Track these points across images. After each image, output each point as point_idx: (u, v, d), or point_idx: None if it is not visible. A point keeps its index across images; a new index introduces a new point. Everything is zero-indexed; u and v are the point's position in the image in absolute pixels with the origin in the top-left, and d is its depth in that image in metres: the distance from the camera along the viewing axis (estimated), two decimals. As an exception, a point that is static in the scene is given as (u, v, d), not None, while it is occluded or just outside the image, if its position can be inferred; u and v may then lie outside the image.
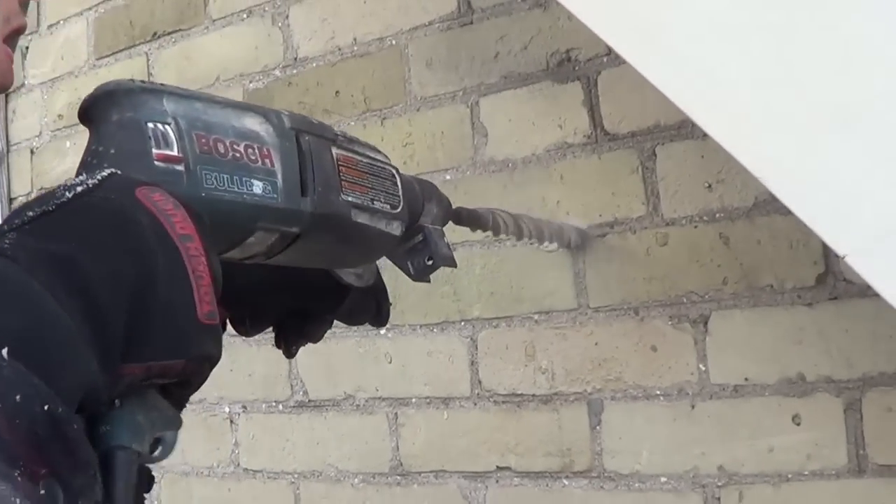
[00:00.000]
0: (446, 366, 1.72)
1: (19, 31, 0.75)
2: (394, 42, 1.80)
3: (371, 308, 1.03)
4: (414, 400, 1.75)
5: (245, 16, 2.02)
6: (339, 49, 1.88)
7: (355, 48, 1.86)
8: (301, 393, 1.90)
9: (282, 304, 0.97)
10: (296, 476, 1.90)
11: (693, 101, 1.10)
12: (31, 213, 0.58)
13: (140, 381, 0.59)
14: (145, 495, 0.65)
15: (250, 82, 2.00)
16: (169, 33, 2.16)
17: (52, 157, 2.35)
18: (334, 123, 1.81)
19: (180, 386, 0.63)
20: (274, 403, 1.93)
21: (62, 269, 0.54)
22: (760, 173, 1.04)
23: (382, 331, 1.77)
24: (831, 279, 1.39)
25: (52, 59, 2.40)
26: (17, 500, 0.45)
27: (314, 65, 1.92)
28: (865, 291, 1.34)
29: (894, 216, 0.97)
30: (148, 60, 2.19)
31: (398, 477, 1.76)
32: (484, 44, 1.69)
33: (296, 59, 1.94)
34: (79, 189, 0.60)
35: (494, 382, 1.66)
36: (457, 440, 1.70)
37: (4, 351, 0.48)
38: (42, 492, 0.48)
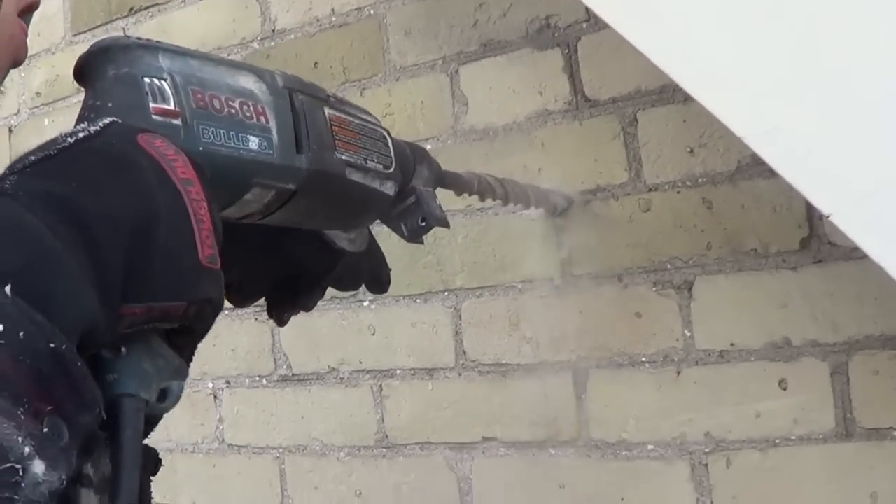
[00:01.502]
0: (430, 336, 1.71)
1: (33, 7, 0.77)
2: (372, 12, 1.79)
3: (363, 274, 1.04)
4: (398, 372, 1.74)
5: (222, -12, 2.00)
6: (318, 20, 1.86)
7: (333, 19, 1.84)
8: (285, 367, 1.88)
9: (274, 270, 0.98)
10: (281, 450, 1.89)
11: (675, 62, 1.09)
12: (32, 158, 0.59)
13: (142, 324, 0.59)
14: (151, 478, 0.66)
15: (228, 55, 1.98)
16: (146, 8, 2.14)
17: (31, 135, 2.32)
18: (314, 94, 1.80)
19: (184, 333, 0.64)
20: (258, 378, 1.92)
21: (62, 207, 0.55)
22: (743, 133, 1.03)
23: (366, 302, 1.76)
24: (815, 242, 1.38)
25: (29, 37, 2.37)
26: (20, 438, 0.45)
27: (292, 36, 1.90)
28: (850, 254, 1.33)
29: (879, 174, 0.96)
30: (125, 35, 2.17)
31: (384, 449, 1.75)
32: (463, 12, 1.67)
33: (273, 31, 1.92)
34: (80, 135, 0.61)
35: (479, 352, 1.65)
36: (442, 411, 1.69)
37: (7, 288, 0.48)
38: (45, 429, 0.47)
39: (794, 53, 1.00)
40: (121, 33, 2.17)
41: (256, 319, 1.88)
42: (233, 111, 0.74)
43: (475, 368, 1.66)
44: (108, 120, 0.63)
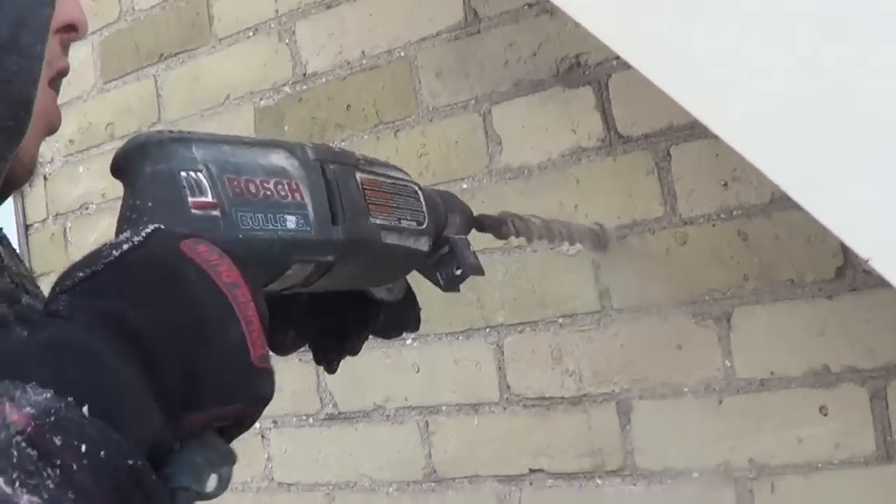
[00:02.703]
0: (474, 372, 1.74)
1: (62, 74, 0.77)
2: (402, 54, 1.82)
3: (403, 321, 1.05)
4: (443, 407, 1.77)
5: (251, 33, 2.04)
6: (348, 63, 1.89)
7: (364, 61, 1.87)
8: (331, 406, 1.92)
9: (318, 324, 0.99)
10: (330, 487, 1.92)
11: (710, 109, 1.12)
12: (80, 274, 0.61)
13: (200, 428, 0.62)
14: None
15: (261, 100, 2.02)
16: (175, 54, 2.17)
17: (66, 183, 2.36)
18: (348, 138, 1.83)
19: (236, 425, 0.66)
20: (304, 417, 1.95)
21: (118, 327, 0.57)
22: (781, 180, 1.06)
23: (408, 340, 1.79)
24: (850, 271, 1.41)
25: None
26: None
27: (324, 80, 1.93)
28: (884, 282, 1.35)
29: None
30: (156, 82, 2.21)
31: (432, 484, 1.78)
32: (493, 52, 1.71)
33: (305, 74, 1.96)
34: (125, 247, 0.62)
35: (522, 386, 1.69)
36: (488, 445, 1.72)
37: (85, 409, 0.51)
38: None
39: (829, 101, 1.02)
40: (151, 80, 2.21)
41: (301, 360, 1.91)
42: (268, 193, 0.75)
43: (519, 402, 1.69)
44: (150, 228, 0.64)
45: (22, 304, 0.66)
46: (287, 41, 1.98)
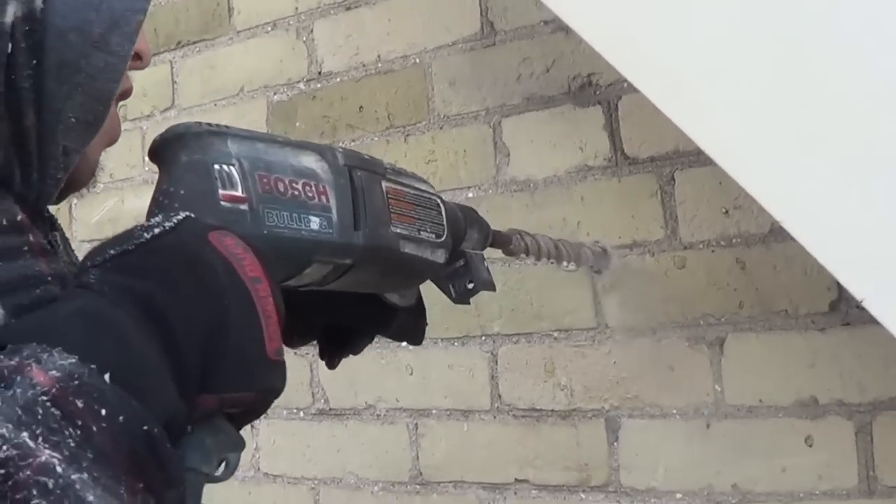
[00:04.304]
0: (467, 379, 1.76)
1: (127, 94, 0.80)
2: (417, 60, 1.84)
3: (413, 326, 1.08)
4: (434, 411, 1.79)
5: (270, 28, 2.06)
6: (364, 65, 1.91)
7: (379, 65, 1.89)
8: (322, 401, 1.94)
9: (329, 321, 1.02)
10: (316, 482, 1.94)
11: (712, 141, 1.14)
12: (112, 252, 0.63)
13: (213, 411, 0.64)
14: None
15: (274, 94, 2.04)
16: (193, 42, 2.19)
17: (76, 161, 2.37)
18: (358, 139, 1.85)
19: (246, 413, 0.68)
20: (295, 410, 1.97)
21: (144, 305, 0.60)
22: (781, 217, 1.07)
23: (403, 343, 1.80)
24: (844, 305, 1.43)
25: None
26: None
27: (338, 80, 1.95)
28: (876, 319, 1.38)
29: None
30: (172, 68, 2.23)
31: (418, 486, 1.80)
32: (506, 65, 1.73)
33: (320, 73, 1.98)
34: (156, 231, 0.65)
35: (514, 396, 1.70)
36: (476, 452, 1.74)
37: (107, 376, 0.54)
38: None
39: (831, 140, 1.04)
40: (167, 66, 2.23)
41: (296, 353, 1.93)
42: (296, 193, 0.77)
43: (510, 412, 1.71)
44: (182, 215, 0.66)
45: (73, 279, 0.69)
46: (304, 39, 2.00)
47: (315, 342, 1.06)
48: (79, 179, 0.79)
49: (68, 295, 0.61)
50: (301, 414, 1.97)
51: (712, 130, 1.14)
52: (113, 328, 0.57)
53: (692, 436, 1.54)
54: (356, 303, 0.98)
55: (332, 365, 1.07)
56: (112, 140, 0.82)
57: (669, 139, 1.56)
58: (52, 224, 0.80)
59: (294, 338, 1.01)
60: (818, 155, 1.05)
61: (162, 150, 0.75)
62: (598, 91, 1.63)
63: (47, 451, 0.49)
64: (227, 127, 0.77)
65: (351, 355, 1.07)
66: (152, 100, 2.24)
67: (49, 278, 0.69)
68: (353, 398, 1.90)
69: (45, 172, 0.73)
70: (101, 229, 2.26)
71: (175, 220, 0.66)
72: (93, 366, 0.54)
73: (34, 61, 0.68)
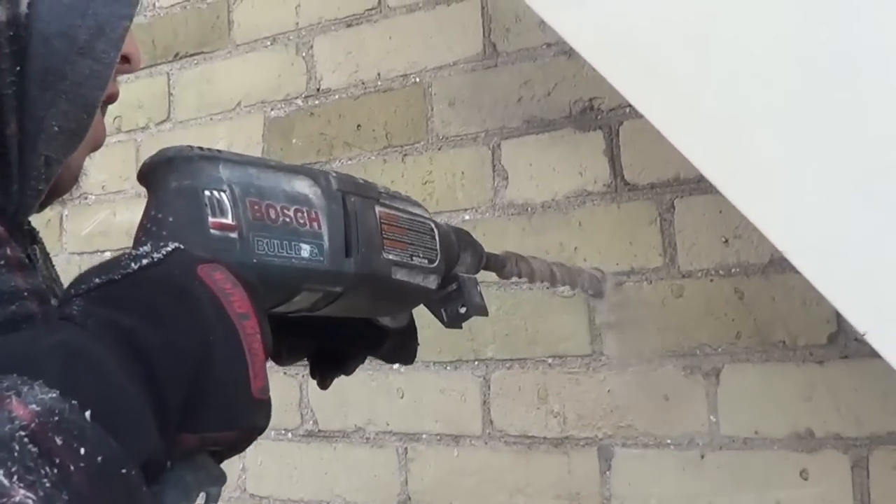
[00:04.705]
0: (458, 404, 1.74)
1: (112, 99, 0.79)
2: (417, 80, 1.83)
3: (401, 351, 1.07)
4: (424, 436, 1.77)
5: (269, 43, 2.04)
6: (363, 83, 1.90)
7: (379, 83, 1.88)
8: (311, 422, 1.91)
9: (320, 341, 1.01)
10: (303, 504, 1.92)
11: (715, 168, 1.12)
12: (97, 280, 0.62)
13: (194, 449, 0.63)
14: None
15: (272, 110, 2.02)
16: (191, 55, 2.18)
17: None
18: (355, 157, 1.84)
19: (227, 449, 0.66)
20: (283, 431, 1.95)
21: (128, 342, 0.58)
22: (784, 247, 1.06)
23: (395, 365, 1.78)
24: (843, 338, 1.42)
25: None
26: None
27: (336, 97, 1.94)
28: (876, 352, 1.36)
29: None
30: (169, 80, 2.21)
31: (406, 511, 1.78)
32: (508, 87, 1.71)
33: (318, 89, 1.96)
34: (144, 262, 0.63)
35: (506, 423, 1.68)
36: (466, 478, 1.72)
37: (88, 413, 0.52)
38: None
39: (836, 173, 1.03)
40: (164, 78, 2.21)
41: (285, 374, 1.91)
42: (287, 219, 0.76)
43: (501, 438, 1.69)
44: (171, 247, 0.65)
45: (50, 305, 0.67)
46: (304, 55, 1.98)
47: (306, 360, 1.04)
48: (61, 186, 0.77)
49: (50, 326, 0.60)
50: (289, 435, 1.94)
51: (715, 157, 1.13)
52: (95, 364, 0.56)
53: (686, 466, 1.52)
54: (347, 325, 0.97)
55: (323, 385, 1.05)
56: (97, 146, 0.81)
57: (670, 166, 1.54)
58: (32, 237, 0.79)
59: (284, 355, 1.00)
60: (823, 185, 1.04)
61: (151, 174, 0.73)
62: (600, 116, 1.62)
63: (22, 492, 0.47)
64: (219, 151, 0.75)
65: (343, 375, 1.06)
66: (148, 112, 2.22)
67: (25, 293, 0.67)
68: (342, 420, 1.87)
69: (26, 184, 0.72)
70: (92, 242, 2.24)
71: (164, 252, 0.64)
72: (74, 402, 0.52)
73: (18, 67, 0.67)
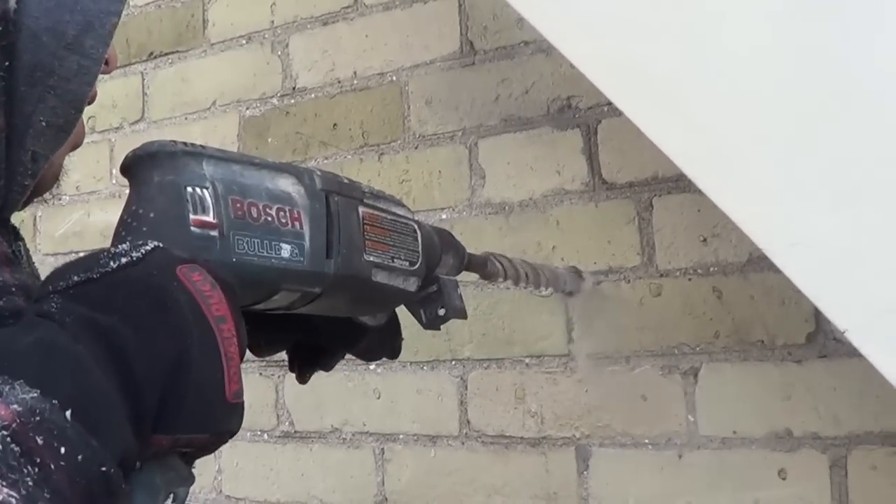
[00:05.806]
0: (435, 404, 1.73)
1: (91, 100, 0.79)
2: (394, 78, 1.82)
3: (384, 346, 1.07)
4: (401, 436, 1.76)
5: (244, 41, 2.03)
6: (339, 81, 1.89)
7: (355, 82, 1.87)
8: (287, 423, 1.90)
9: (299, 335, 1.00)
10: (279, 506, 1.90)
11: (696, 165, 1.12)
12: (75, 278, 0.61)
13: (166, 451, 0.63)
14: None
15: (247, 109, 2.01)
16: (166, 54, 2.16)
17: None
18: (332, 156, 1.82)
19: (197, 451, 0.66)
20: (259, 433, 1.93)
21: (106, 341, 0.58)
22: (766, 247, 1.06)
23: (372, 366, 1.78)
24: (821, 337, 1.42)
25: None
26: None
27: (313, 95, 1.92)
28: (855, 351, 1.35)
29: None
30: (143, 80, 2.19)
31: (383, 512, 1.77)
32: (485, 86, 1.71)
33: (294, 88, 1.95)
34: (123, 260, 0.63)
35: (483, 423, 1.68)
36: (443, 478, 1.71)
37: (68, 413, 0.52)
38: None
39: (818, 171, 1.03)
40: (138, 77, 2.20)
41: (261, 374, 1.90)
42: (269, 219, 0.76)
43: (478, 438, 1.68)
44: (150, 245, 0.65)
45: (33, 302, 0.66)
46: (279, 53, 1.97)
47: (284, 354, 1.03)
48: (42, 185, 0.76)
49: (28, 323, 0.59)
50: (265, 436, 1.93)
51: (695, 153, 1.12)
52: (74, 363, 0.55)
53: (664, 466, 1.51)
54: (325, 321, 0.96)
55: (302, 379, 1.05)
56: (76, 144, 0.80)
57: (649, 165, 1.54)
58: (16, 233, 0.78)
59: (262, 346, 0.99)
60: (803, 182, 1.03)
61: (134, 168, 0.72)
62: (578, 114, 1.62)
63: (5, 490, 0.48)
64: (202, 147, 0.74)
65: (322, 371, 1.05)
66: (122, 112, 2.20)
67: (13, 289, 0.67)
68: (318, 421, 1.86)
69: (13, 179, 0.71)
70: (66, 242, 2.22)
71: (143, 251, 0.64)
72: (55, 401, 0.52)
73: (6, 63, 0.67)
